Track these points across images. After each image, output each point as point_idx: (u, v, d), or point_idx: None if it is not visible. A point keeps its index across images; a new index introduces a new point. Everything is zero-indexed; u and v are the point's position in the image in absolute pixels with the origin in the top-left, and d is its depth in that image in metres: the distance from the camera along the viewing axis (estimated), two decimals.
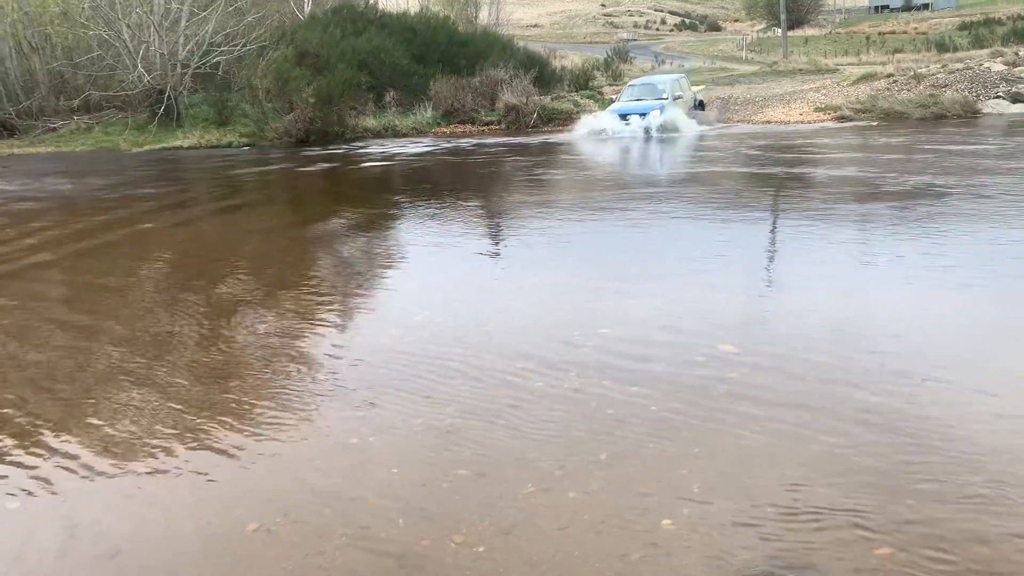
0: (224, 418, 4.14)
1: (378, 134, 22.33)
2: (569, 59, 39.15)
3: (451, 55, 26.56)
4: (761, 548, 2.85)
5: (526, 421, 3.94)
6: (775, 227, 8.45)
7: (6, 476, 3.66)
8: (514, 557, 2.87)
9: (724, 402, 4.07)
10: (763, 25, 60.06)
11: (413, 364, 4.80)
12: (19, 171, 18.15)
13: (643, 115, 19.14)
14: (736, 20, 77.38)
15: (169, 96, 22.92)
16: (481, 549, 2.93)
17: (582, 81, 29.13)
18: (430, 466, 3.54)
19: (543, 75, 27.58)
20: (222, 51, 23.44)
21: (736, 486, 3.27)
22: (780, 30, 45.81)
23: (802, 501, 3.12)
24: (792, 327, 5.16)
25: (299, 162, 17.52)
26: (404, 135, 22.26)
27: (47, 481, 3.58)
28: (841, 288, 5.93)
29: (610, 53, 39.95)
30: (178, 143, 21.87)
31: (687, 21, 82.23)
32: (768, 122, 20.37)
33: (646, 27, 78.84)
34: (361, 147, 19.81)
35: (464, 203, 11.04)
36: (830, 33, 56.71)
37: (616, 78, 32.61)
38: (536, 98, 24.00)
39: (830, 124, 19.34)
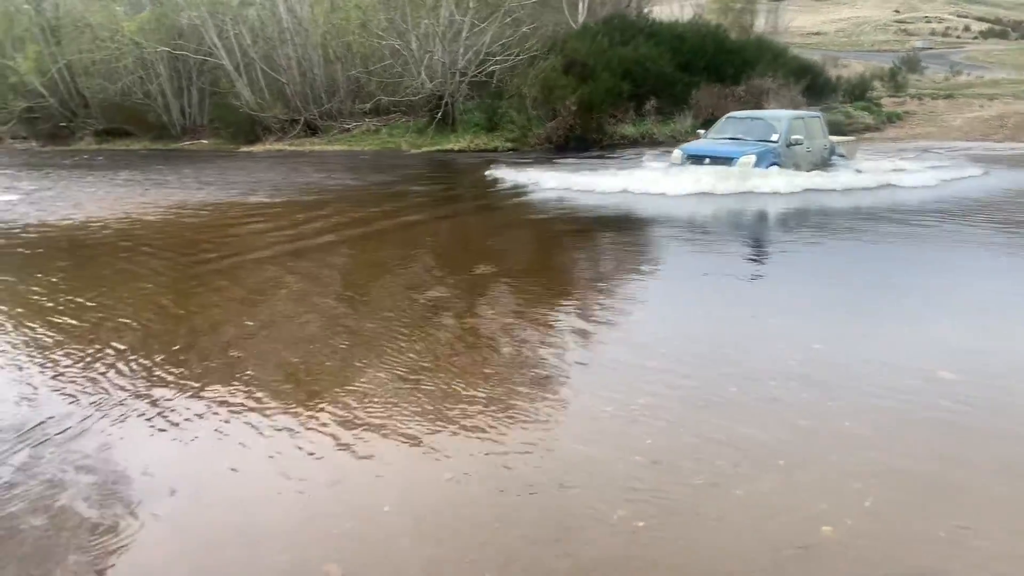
0: (456, 392, 4.66)
1: (635, 142, 22.65)
2: (850, 68, 37.10)
3: (718, 63, 26.27)
4: (913, 569, 2.81)
5: (712, 422, 4.07)
6: None
7: (268, 417, 4.42)
8: (669, 536, 3.06)
9: (923, 428, 3.93)
10: None
11: (618, 364, 5.07)
12: (315, 166, 20.57)
13: (728, 161, 13.24)
14: None
15: (447, 102, 24.79)
16: (640, 524, 3.15)
17: (858, 92, 27.57)
18: (612, 448, 3.80)
19: (814, 85, 26.48)
20: (497, 60, 24.92)
21: (909, 509, 3.21)
22: None
23: (970, 538, 3.01)
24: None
25: (556, 167, 18.28)
26: (661, 143, 22.38)
27: (317, 430, 4.28)
28: None
29: (897, 62, 37.31)
30: (450, 146, 23.61)
31: (996, 28, 74.38)
32: None
33: (944, 34, 72.45)
34: (616, 155, 20.22)
35: (718, 216, 11.03)
36: None
37: (899, 89, 30.44)
38: (803, 109, 23.14)
39: None
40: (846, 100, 26.32)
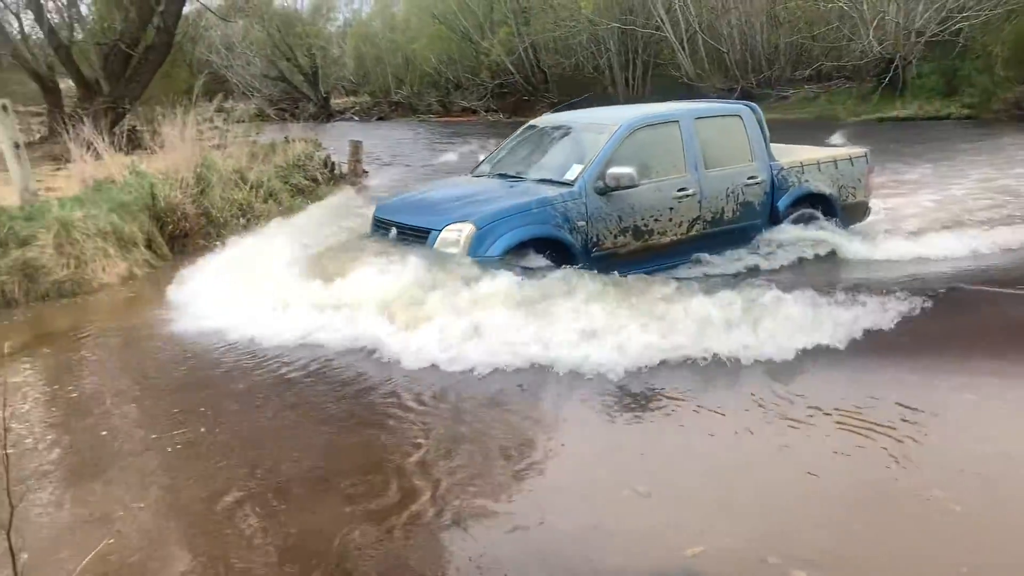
0: None
1: None
2: None
3: None
4: None
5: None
6: None
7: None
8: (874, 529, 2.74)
9: None
10: None
11: None
12: None
13: (424, 236, 6.04)
14: None
15: (897, 65, 22.63)
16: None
17: None
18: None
19: None
20: (964, 16, 22.00)
21: None
22: None
23: None
24: None
25: None
26: None
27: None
28: None
29: None
30: (894, 113, 21.53)
31: None
32: None
33: None
34: None
35: None
36: None
37: None
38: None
39: None
40: None
